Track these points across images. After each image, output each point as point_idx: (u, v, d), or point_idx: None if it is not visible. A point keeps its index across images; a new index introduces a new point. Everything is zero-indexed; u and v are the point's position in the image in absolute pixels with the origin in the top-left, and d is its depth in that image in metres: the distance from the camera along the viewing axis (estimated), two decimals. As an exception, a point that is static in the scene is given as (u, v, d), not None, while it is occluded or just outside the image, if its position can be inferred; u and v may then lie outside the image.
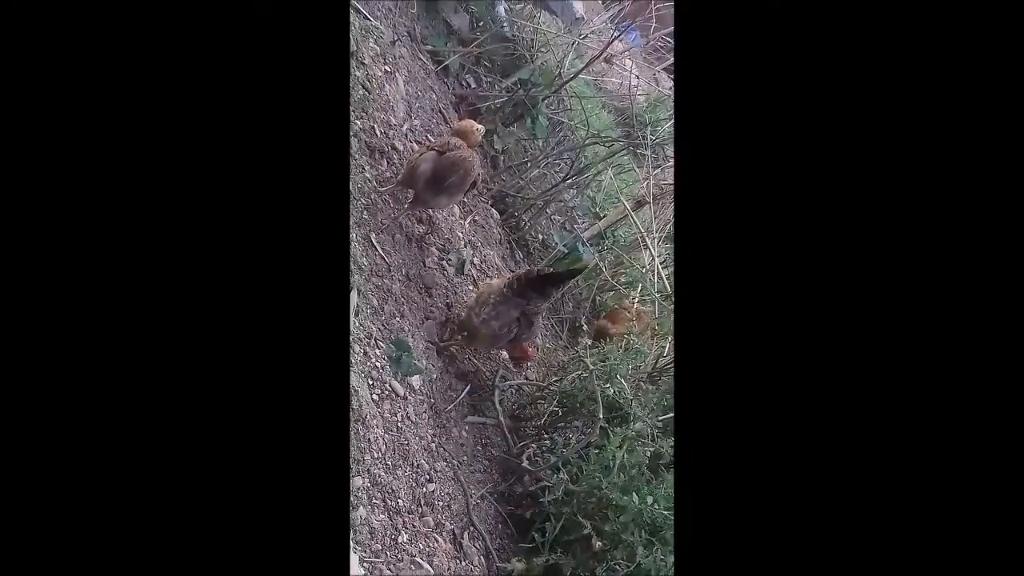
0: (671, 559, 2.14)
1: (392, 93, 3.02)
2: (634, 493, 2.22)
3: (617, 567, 2.15)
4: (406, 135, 2.98)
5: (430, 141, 2.95)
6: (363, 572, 1.86)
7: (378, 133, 2.81)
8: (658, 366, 2.85)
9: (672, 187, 3.69)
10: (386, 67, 3.06)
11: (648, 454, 2.38)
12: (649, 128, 3.67)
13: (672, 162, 3.67)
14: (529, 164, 3.62)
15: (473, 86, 3.63)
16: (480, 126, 2.76)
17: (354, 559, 1.87)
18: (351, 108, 2.72)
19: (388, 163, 2.79)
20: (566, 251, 3.36)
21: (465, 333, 2.61)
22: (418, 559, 2.05)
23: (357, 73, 2.86)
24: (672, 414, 2.56)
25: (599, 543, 2.20)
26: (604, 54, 4.02)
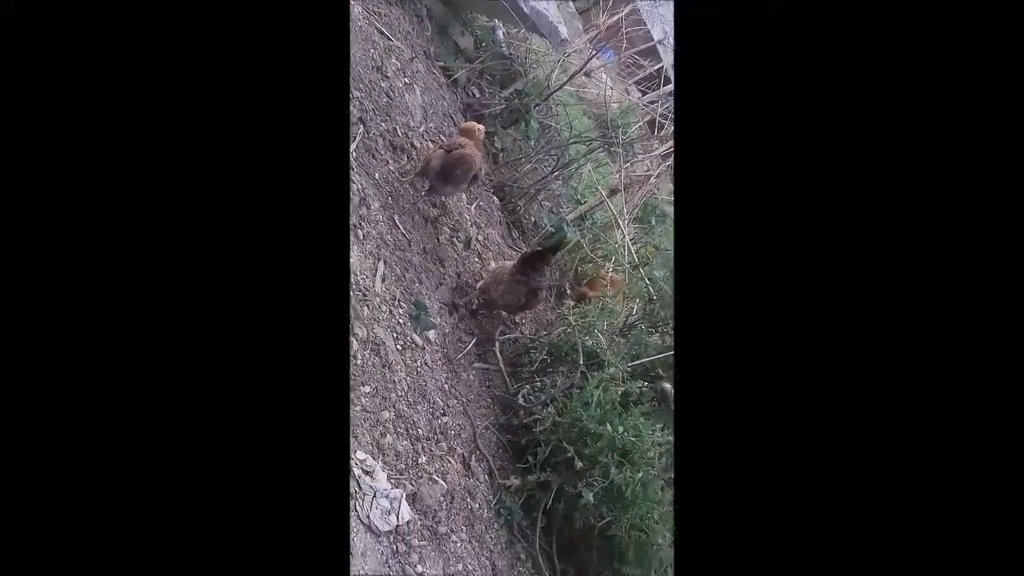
0: (638, 476, 2.16)
1: (411, 101, 2.99)
2: (608, 424, 2.23)
3: (594, 482, 2.16)
4: (422, 135, 2.95)
5: (441, 141, 2.93)
6: (389, 485, 1.87)
7: (399, 133, 2.78)
8: (627, 323, 2.86)
9: (639, 178, 3.68)
10: (406, 79, 3.03)
11: (619, 393, 2.38)
12: (621, 130, 3.65)
13: (639, 157, 3.65)
14: (523, 160, 3.60)
15: (477, 95, 3.60)
16: (481, 127, 2.74)
17: (382, 476, 1.87)
18: (378, 113, 2.70)
19: (408, 158, 2.76)
20: (553, 230, 3.34)
21: (485, 299, 2.66)
22: (434, 476, 2.05)
23: (383, 84, 2.83)
24: (639, 360, 2.58)
25: (580, 464, 2.21)
26: (584, 69, 3.98)
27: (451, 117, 3.28)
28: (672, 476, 2.31)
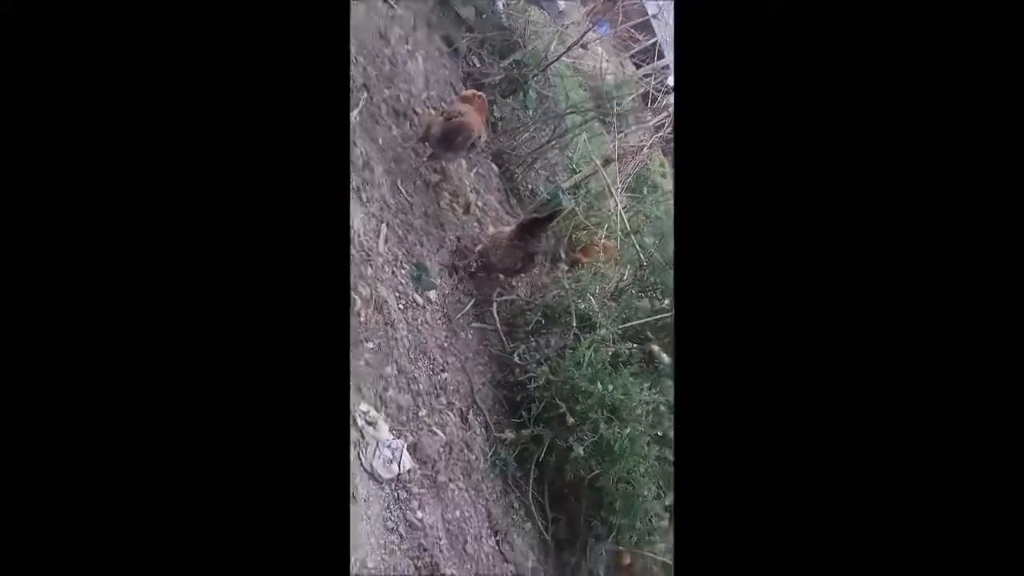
0: (626, 432, 2.19)
1: (413, 68, 2.95)
2: (598, 382, 2.25)
3: (585, 437, 2.18)
4: (424, 102, 2.92)
5: (442, 108, 2.90)
6: (391, 436, 1.89)
7: (402, 100, 2.75)
8: (619, 287, 2.87)
9: (632, 148, 3.66)
10: (408, 47, 2.98)
11: (610, 353, 2.40)
12: (615, 101, 3.62)
13: (633, 128, 3.63)
14: (521, 129, 3.56)
15: (477, 65, 3.55)
16: (481, 93, 2.71)
17: (384, 427, 1.89)
18: (381, 79, 2.66)
19: (410, 124, 2.74)
20: (549, 198, 3.33)
21: (483, 263, 2.66)
22: (434, 428, 2.08)
23: (386, 51, 2.79)
24: (629, 323, 2.59)
25: (571, 419, 2.23)
26: (581, 41, 3.93)
27: (452, 85, 3.24)
28: (659, 433, 2.34)
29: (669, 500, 2.33)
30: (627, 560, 2.45)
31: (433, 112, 2.83)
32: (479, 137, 2.61)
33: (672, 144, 4.18)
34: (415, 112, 2.79)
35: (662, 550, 2.38)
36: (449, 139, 2.49)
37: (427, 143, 2.57)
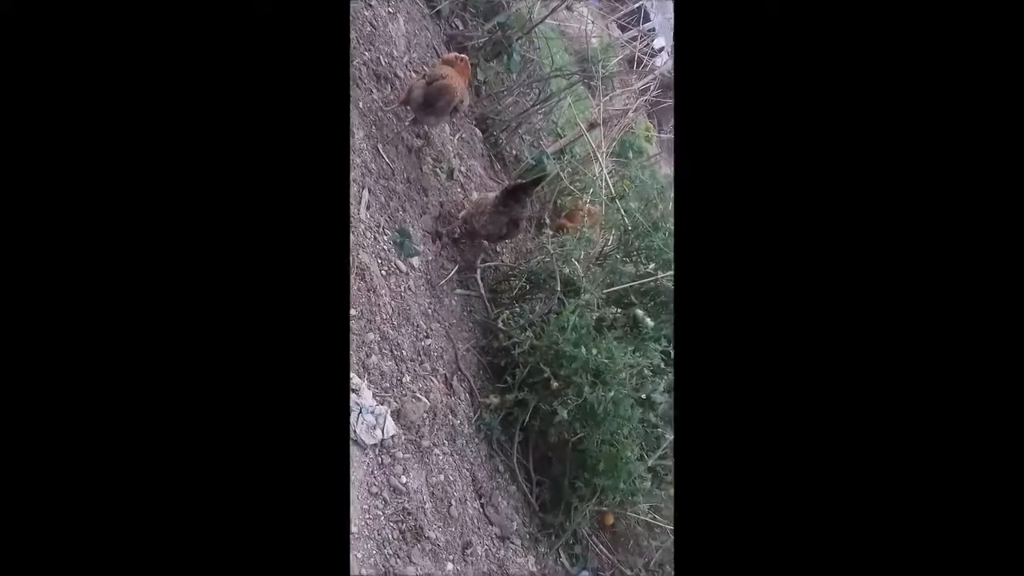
0: (610, 395, 2.19)
1: (394, 30, 2.87)
2: (582, 347, 2.24)
3: (569, 401, 2.18)
4: (406, 65, 2.85)
5: (424, 71, 2.83)
6: (375, 402, 1.88)
7: (383, 63, 2.68)
8: (603, 252, 2.84)
9: (617, 112, 3.61)
10: (389, 8, 2.90)
11: (594, 318, 2.39)
12: (600, 65, 3.56)
13: (618, 91, 3.57)
14: (505, 93, 3.50)
15: (460, 27, 3.46)
16: (464, 56, 2.65)
17: (368, 394, 1.88)
18: (361, 42, 2.59)
19: (391, 88, 2.67)
20: (534, 163, 3.28)
21: (467, 229, 2.63)
22: (418, 394, 2.07)
23: (366, 13, 2.71)
24: (613, 288, 2.58)
25: (556, 383, 2.23)
26: (566, 3, 3.84)
27: (434, 48, 3.16)
28: (642, 396, 2.35)
29: (652, 461, 2.34)
30: (610, 520, 2.47)
31: (415, 76, 2.77)
32: (462, 101, 2.56)
33: (656, 108, 4.13)
34: (396, 76, 2.73)
35: (645, 510, 2.41)
36: (431, 103, 2.44)
37: (409, 107, 2.51)
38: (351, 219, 2.12)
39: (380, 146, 2.44)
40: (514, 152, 3.53)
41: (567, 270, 2.55)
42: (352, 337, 1.93)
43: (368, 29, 2.67)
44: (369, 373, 1.93)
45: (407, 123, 2.60)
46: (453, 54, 2.71)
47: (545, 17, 3.64)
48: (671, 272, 2.52)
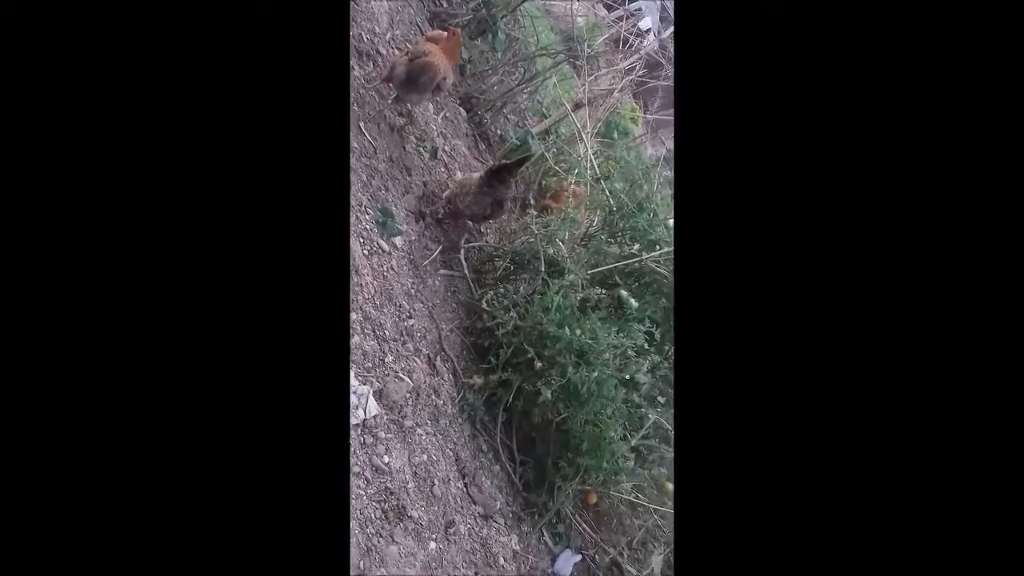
0: (593, 375, 2.18)
1: (377, 7, 2.82)
2: (566, 327, 2.23)
3: (552, 381, 2.18)
4: (388, 42, 2.80)
5: (407, 48, 2.78)
6: (357, 382, 1.86)
7: (365, 39, 2.63)
8: (588, 233, 2.83)
9: (602, 92, 3.58)
10: (371, -16, 2.84)
11: (578, 299, 2.38)
12: (586, 44, 3.52)
13: (603, 71, 3.54)
14: (490, 72, 3.45)
15: (444, 4, 3.40)
16: (457, 30, 2.59)
17: (350, 374, 1.86)
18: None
19: (374, 65, 2.62)
20: (519, 143, 3.25)
21: (451, 209, 2.60)
22: (400, 375, 2.05)
23: (347, -12, 2.66)
24: (597, 268, 2.56)
25: (539, 364, 2.22)
26: (552, -19, 3.79)
27: (418, 25, 3.11)
28: (626, 376, 2.34)
29: (635, 441, 2.35)
30: (593, 499, 2.48)
31: (398, 53, 2.72)
32: (445, 79, 2.51)
33: (642, 88, 4.10)
34: (379, 52, 2.68)
35: (627, 489, 2.42)
36: (414, 80, 2.39)
37: (391, 84, 2.47)
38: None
39: (362, 124, 2.40)
40: (499, 132, 3.49)
41: (551, 251, 2.54)
42: (334, 317, 1.90)
43: (350, 4, 2.61)
44: (352, 354, 1.90)
45: (389, 101, 2.55)
46: (437, 31, 2.67)
47: (530, -5, 3.59)
48: (655, 253, 2.51)
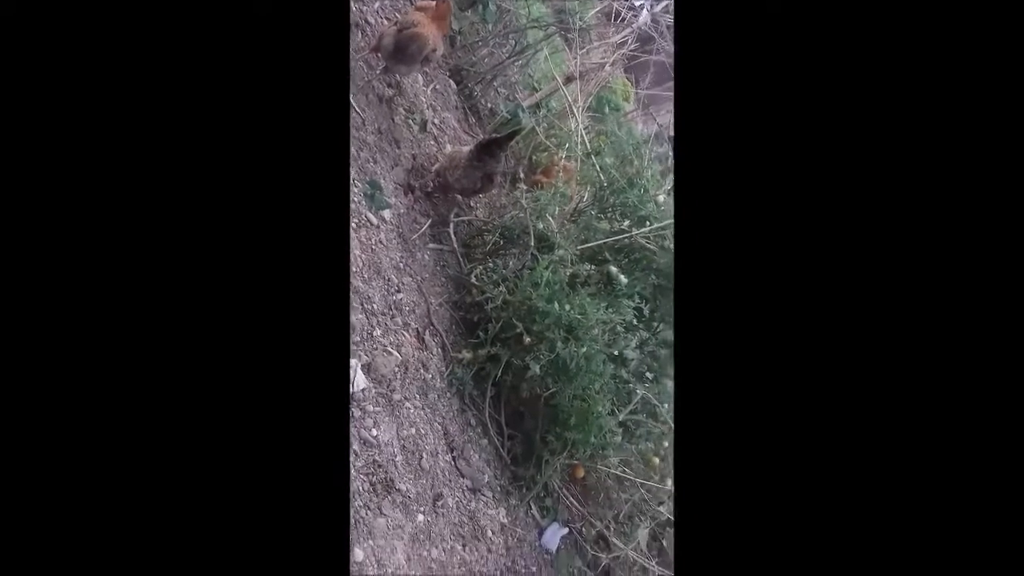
0: (582, 350, 2.18)
1: (365, -26, 2.75)
2: (556, 302, 2.22)
3: (541, 356, 2.18)
4: (377, 12, 2.74)
5: (396, 18, 2.73)
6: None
7: (353, 8, 2.58)
8: (578, 208, 2.81)
9: (594, 66, 3.53)
10: (359, -49, 2.77)
11: (567, 274, 2.37)
12: (577, 16, 3.47)
13: (595, 44, 3.50)
14: (480, 44, 3.40)
15: (434, -26, 3.34)
16: (435, 2, 2.54)
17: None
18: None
19: (362, 35, 2.57)
20: (509, 116, 3.21)
21: (441, 183, 2.57)
22: (389, 348, 2.04)
23: (334, -46, 2.59)
24: (587, 244, 2.55)
25: (528, 339, 2.21)
26: (544, -49, 3.72)
27: (407, -5, 3.05)
28: (614, 352, 2.35)
29: (622, 416, 2.36)
30: (581, 473, 2.50)
31: (386, 23, 2.66)
32: (434, 50, 2.47)
33: (633, 63, 4.05)
34: (367, 22, 2.62)
35: (615, 463, 2.43)
36: (402, 50, 2.34)
37: (379, 55, 2.42)
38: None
39: (350, 95, 2.36)
40: (489, 105, 3.45)
41: (541, 225, 2.52)
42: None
43: (338, -28, 2.56)
44: (339, 327, 1.89)
45: (378, 72, 2.51)
46: (427, 1, 2.61)
47: (522, -35, 3.53)
48: (645, 229, 2.50)
